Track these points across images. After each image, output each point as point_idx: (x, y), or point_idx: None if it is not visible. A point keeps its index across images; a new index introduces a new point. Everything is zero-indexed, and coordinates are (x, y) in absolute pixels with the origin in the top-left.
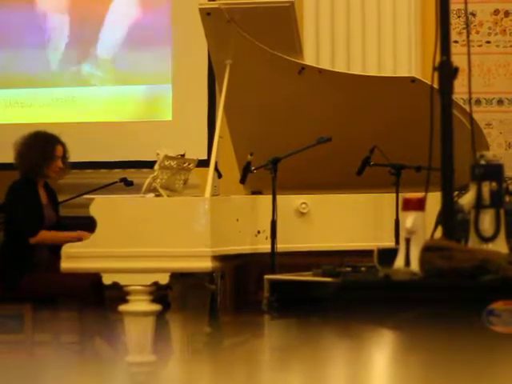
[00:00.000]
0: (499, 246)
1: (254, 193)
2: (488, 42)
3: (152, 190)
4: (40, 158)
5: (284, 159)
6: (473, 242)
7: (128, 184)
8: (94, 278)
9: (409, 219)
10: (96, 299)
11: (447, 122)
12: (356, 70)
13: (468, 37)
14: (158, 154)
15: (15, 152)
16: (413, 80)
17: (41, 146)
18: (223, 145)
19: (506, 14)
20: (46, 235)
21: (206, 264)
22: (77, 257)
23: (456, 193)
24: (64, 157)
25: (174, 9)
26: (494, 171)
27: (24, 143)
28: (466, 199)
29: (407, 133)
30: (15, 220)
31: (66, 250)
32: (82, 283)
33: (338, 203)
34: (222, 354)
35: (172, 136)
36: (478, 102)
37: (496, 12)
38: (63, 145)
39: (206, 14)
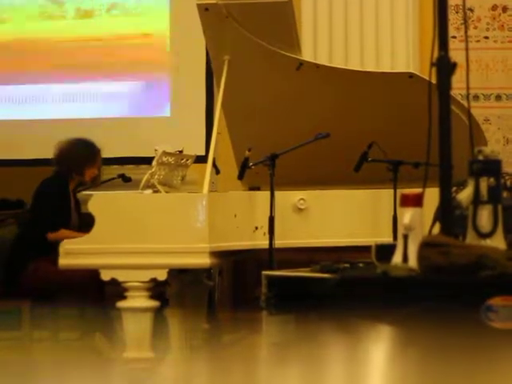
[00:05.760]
0: (497, 241)
1: (251, 189)
2: (486, 38)
3: (150, 186)
4: (84, 158)
5: (282, 155)
6: (471, 238)
7: (126, 180)
8: (94, 272)
9: (407, 215)
10: (96, 294)
11: (445, 117)
12: (354, 66)
13: (466, 32)
14: (156, 150)
15: (58, 149)
16: (411, 75)
17: (87, 148)
18: (221, 141)
19: (504, 9)
20: (65, 234)
21: (204, 260)
22: (75, 253)
23: (454, 188)
24: (100, 168)
25: (172, 5)
26: (492, 167)
27: (70, 142)
28: (464, 195)
29: (405, 128)
30: (40, 212)
31: (65, 246)
32: (83, 277)
33: (335, 199)
34: (221, 351)
35: (170, 132)
36: (476, 97)
37: (494, 7)
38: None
39: (204, 9)
